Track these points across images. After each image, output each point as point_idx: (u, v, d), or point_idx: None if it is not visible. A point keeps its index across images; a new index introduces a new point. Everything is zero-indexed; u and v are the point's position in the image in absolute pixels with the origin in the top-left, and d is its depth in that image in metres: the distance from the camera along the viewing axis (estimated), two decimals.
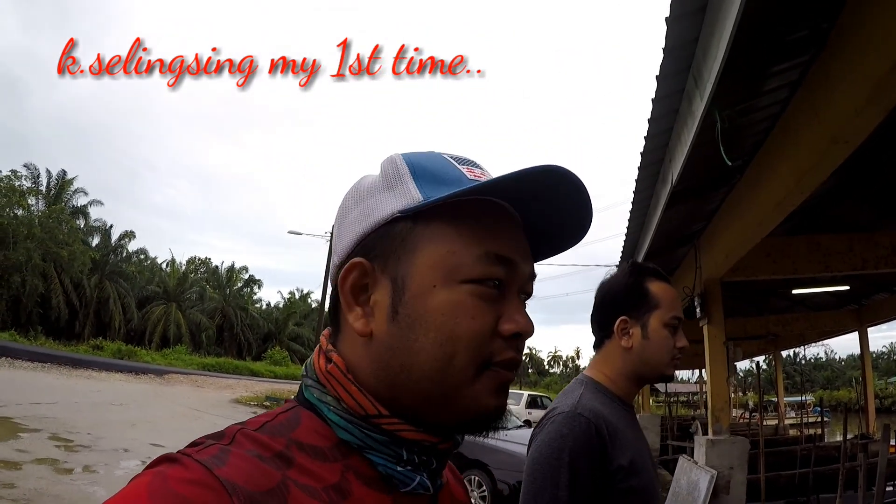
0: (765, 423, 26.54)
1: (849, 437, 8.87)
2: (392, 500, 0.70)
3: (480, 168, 0.80)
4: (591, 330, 1.89)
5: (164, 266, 59.65)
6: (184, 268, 59.66)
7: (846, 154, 4.44)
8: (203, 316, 54.29)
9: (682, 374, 49.98)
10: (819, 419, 18.69)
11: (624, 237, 8.44)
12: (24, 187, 40.85)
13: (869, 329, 15.93)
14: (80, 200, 46.44)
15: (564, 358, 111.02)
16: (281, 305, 68.10)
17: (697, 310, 8.57)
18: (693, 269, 8.70)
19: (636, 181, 6.24)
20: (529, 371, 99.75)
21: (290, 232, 32.83)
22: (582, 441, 1.53)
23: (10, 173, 39.80)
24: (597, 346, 1.86)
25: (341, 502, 0.66)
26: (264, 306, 67.88)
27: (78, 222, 45.89)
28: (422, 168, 0.76)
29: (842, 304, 15.75)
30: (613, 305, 1.79)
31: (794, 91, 4.90)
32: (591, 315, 1.88)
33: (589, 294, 1.92)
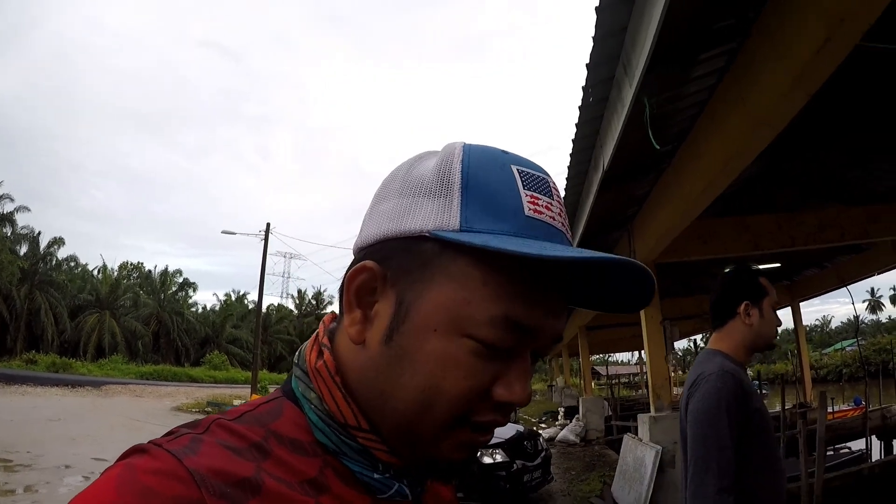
0: None
1: (788, 406, 9.18)
2: (371, 500, 0.68)
3: (549, 195, 0.69)
4: (712, 315, 2.49)
5: (95, 273, 58.11)
6: (116, 274, 58.27)
7: (771, 137, 4.58)
8: (138, 323, 53.06)
9: (621, 356, 50.67)
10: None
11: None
12: None
13: (801, 304, 16.50)
14: (7, 207, 44.97)
15: None
16: (217, 308, 67.10)
17: None
18: (628, 253, 8.84)
19: (568, 167, 6.31)
20: None
21: (223, 232, 32.65)
22: (732, 392, 2.13)
23: None
24: (718, 327, 2.45)
25: (318, 497, 0.63)
26: (200, 310, 66.81)
27: (5, 230, 44.42)
28: (476, 183, 0.66)
29: (773, 280, 15.92)
30: (738, 293, 2.38)
31: (720, 78, 5.02)
32: (714, 302, 2.47)
33: None
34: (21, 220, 47.53)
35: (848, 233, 9.08)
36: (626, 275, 0.67)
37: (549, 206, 0.68)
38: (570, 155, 6.04)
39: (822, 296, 15.97)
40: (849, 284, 13.81)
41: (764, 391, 21.16)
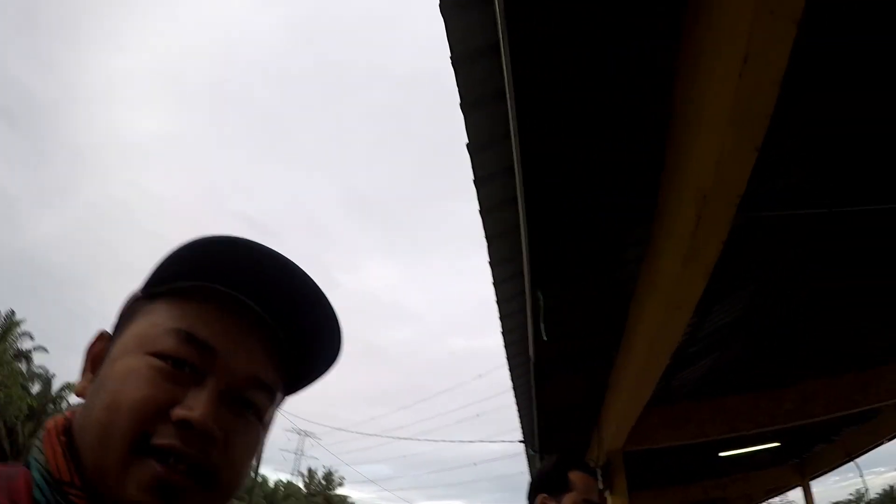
0: None
1: None
2: None
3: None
4: None
5: None
6: None
7: (685, 319, 4.44)
8: None
9: None
10: None
11: (519, 417, 8.22)
12: None
13: (827, 478, 15.66)
14: (26, 344, 44.63)
15: None
16: None
17: (599, 481, 8.23)
18: (597, 443, 8.46)
19: (507, 359, 6.14)
20: None
21: None
22: None
23: None
24: None
25: None
26: None
27: (20, 366, 44.04)
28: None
29: (781, 460, 15.43)
30: (538, 485, 2.27)
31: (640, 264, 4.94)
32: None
33: None
34: (37, 359, 47.16)
35: (832, 404, 8.57)
36: (292, 292, 0.78)
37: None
38: (505, 346, 5.90)
39: (833, 471, 15.08)
40: (856, 457, 13.12)
41: None
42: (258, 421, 0.76)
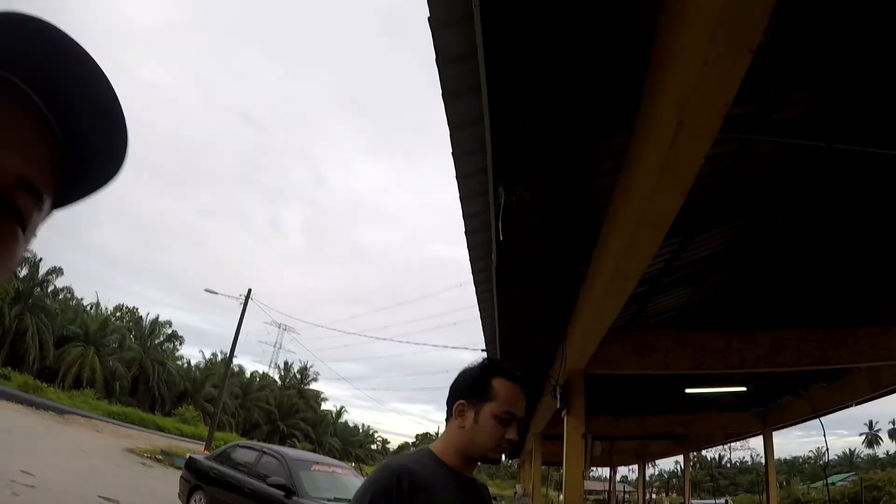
0: None
1: None
2: None
3: None
4: None
5: (88, 308, 57.82)
6: (108, 312, 57.96)
7: (655, 239, 4.20)
8: (120, 364, 52.36)
9: (599, 471, 49.84)
10: None
11: (481, 323, 8.01)
12: None
13: (790, 431, 15.76)
14: None
15: None
16: (202, 365, 66.44)
17: (557, 400, 8.13)
18: (560, 362, 8.32)
19: (471, 262, 5.88)
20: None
21: (206, 290, 32.41)
22: (383, 486, 1.77)
23: None
24: (446, 422, 2.06)
25: None
26: (185, 364, 66.01)
27: None
28: None
29: (746, 405, 15.49)
30: (458, 389, 2.03)
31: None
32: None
33: None
34: None
35: (806, 356, 8.28)
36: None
37: None
38: (470, 258, 5.65)
39: (794, 425, 15.13)
40: (822, 415, 13.07)
41: None
42: (20, 228, 0.61)
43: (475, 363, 2.12)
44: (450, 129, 3.70)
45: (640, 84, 3.53)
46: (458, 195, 4.50)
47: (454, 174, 4.22)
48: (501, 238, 4.14)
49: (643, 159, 3.63)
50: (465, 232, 5.12)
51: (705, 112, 2.85)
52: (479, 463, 2.03)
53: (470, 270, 6.00)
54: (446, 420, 2.07)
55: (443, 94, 3.43)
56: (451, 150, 3.93)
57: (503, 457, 2.10)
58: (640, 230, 4.04)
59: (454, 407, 2.01)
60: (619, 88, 3.66)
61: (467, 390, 2.00)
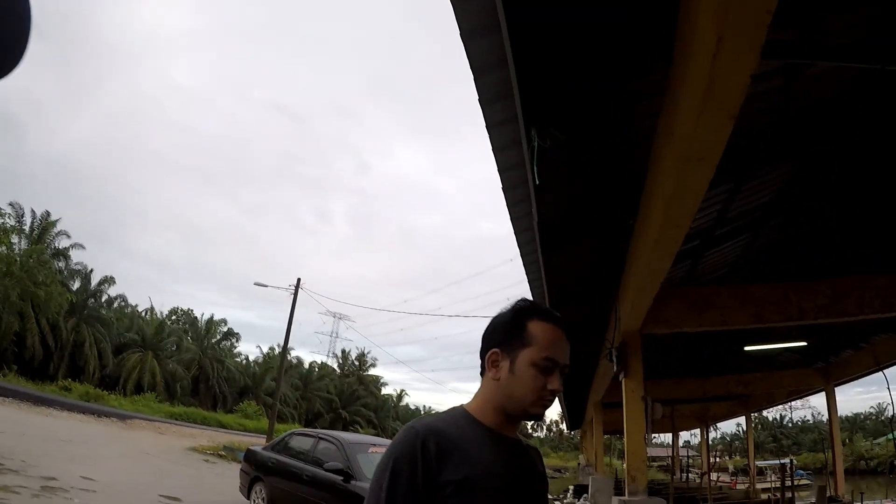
0: (738, 487, 26.01)
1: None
2: None
3: None
4: None
5: (143, 314, 58.89)
6: (163, 316, 59.00)
7: (705, 174, 3.95)
8: (179, 366, 53.35)
9: (661, 437, 49.35)
10: (801, 482, 18.33)
11: (530, 291, 7.84)
12: (8, 226, 40.19)
13: (850, 388, 15.45)
14: (63, 243, 45.94)
15: None
16: (260, 360, 67.39)
17: (614, 364, 7.95)
18: (614, 322, 8.14)
19: (511, 221, 5.71)
20: None
21: (255, 283, 32.67)
22: (407, 450, 1.59)
23: None
24: (481, 376, 1.84)
25: None
26: (243, 360, 67.02)
27: (59, 264, 45.45)
28: None
29: (807, 362, 15.15)
30: (491, 337, 1.78)
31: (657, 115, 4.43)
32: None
33: None
34: (75, 256, 48.60)
35: (868, 305, 7.97)
36: None
37: None
38: (509, 210, 5.47)
39: (872, 380, 14.74)
40: (885, 368, 12.68)
41: (809, 481, 20.18)
42: None
43: (508, 306, 1.85)
44: (473, 73, 3.53)
45: (675, 9, 3.32)
46: (490, 148, 4.34)
47: (484, 124, 4.06)
48: (538, 182, 3.92)
49: (685, 88, 3.41)
50: (503, 189, 4.96)
51: (746, 22, 2.65)
52: (521, 421, 1.83)
53: (513, 232, 5.83)
54: (481, 374, 1.84)
55: (461, 34, 3.26)
56: (477, 97, 3.76)
57: (545, 413, 1.80)
58: (688, 167, 3.81)
59: (486, 357, 1.77)
60: (654, 16, 3.45)
61: (500, 337, 1.76)
